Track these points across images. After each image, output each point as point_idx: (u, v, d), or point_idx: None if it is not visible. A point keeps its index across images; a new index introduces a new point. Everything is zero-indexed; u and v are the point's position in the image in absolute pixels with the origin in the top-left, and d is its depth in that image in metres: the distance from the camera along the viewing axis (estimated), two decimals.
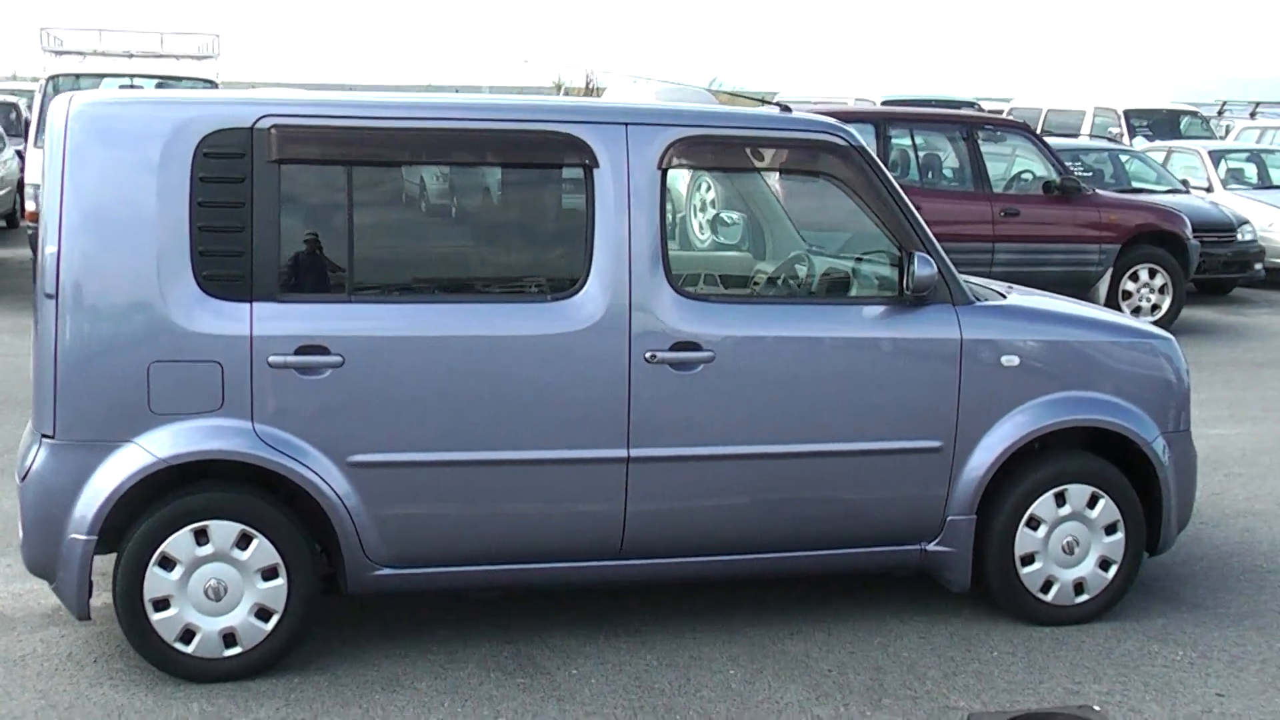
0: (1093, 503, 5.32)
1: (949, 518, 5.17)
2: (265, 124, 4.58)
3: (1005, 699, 4.69)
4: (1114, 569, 5.38)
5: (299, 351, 4.58)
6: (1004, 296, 5.56)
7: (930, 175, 11.62)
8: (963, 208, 11.43)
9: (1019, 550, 5.27)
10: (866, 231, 5.20)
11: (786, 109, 5.28)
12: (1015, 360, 5.15)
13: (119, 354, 4.52)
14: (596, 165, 4.79)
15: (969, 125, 11.67)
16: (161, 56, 14.47)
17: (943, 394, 5.10)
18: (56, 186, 4.51)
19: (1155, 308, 12.22)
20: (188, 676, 4.66)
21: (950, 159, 11.85)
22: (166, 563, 4.59)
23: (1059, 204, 11.75)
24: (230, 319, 4.55)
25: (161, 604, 4.61)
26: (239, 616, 4.66)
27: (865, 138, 10.86)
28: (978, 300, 5.22)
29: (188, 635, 4.64)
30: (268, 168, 4.58)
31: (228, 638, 4.66)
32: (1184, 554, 6.17)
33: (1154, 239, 12.19)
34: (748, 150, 5.06)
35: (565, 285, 4.80)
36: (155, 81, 12.99)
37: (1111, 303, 11.76)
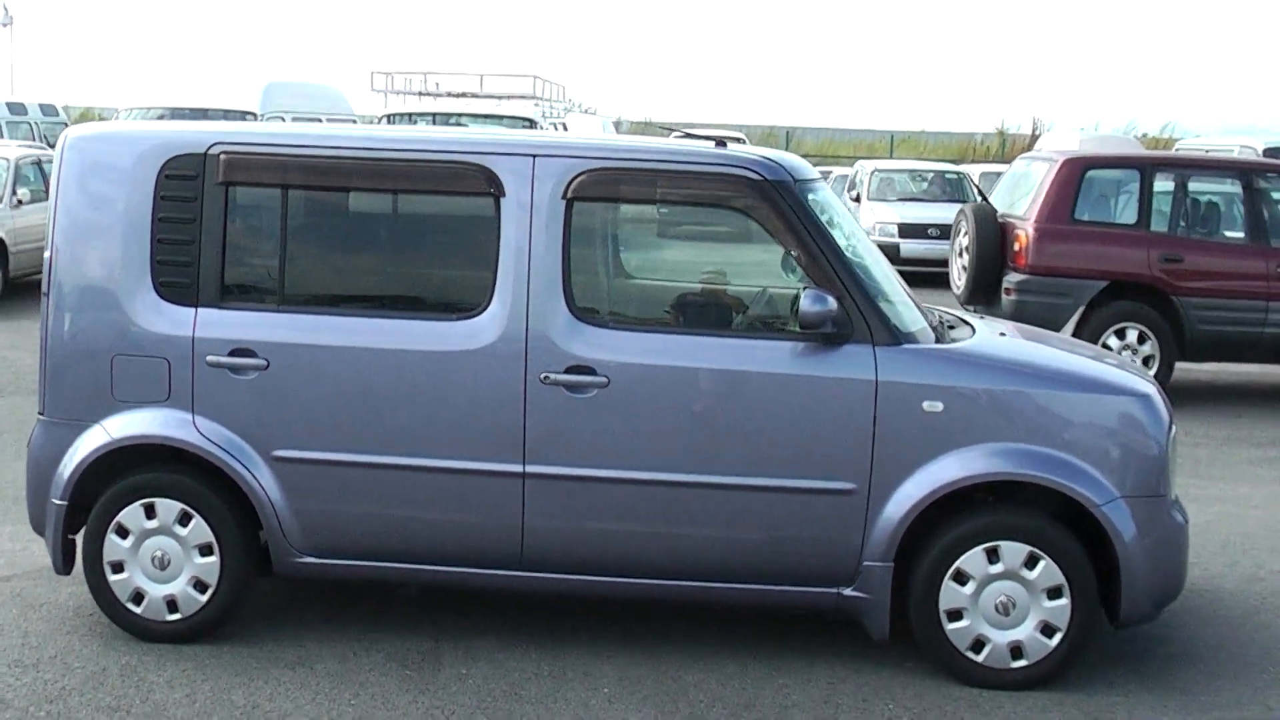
0: (1032, 563, 5.01)
1: (864, 563, 5.03)
2: (215, 150, 5.18)
3: None
4: (1058, 636, 5.04)
5: (231, 354, 5.14)
6: (972, 334, 5.37)
7: (1198, 226, 10.79)
8: (1233, 262, 10.55)
9: (943, 604, 5.05)
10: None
11: (722, 144, 5.32)
12: (939, 406, 4.96)
13: (91, 346, 5.23)
14: (503, 194, 5.07)
15: (1248, 172, 10.75)
16: (480, 96, 15.70)
17: (856, 436, 4.98)
18: (54, 201, 5.30)
19: None
20: (139, 634, 5.30)
21: (1224, 209, 10.97)
22: (121, 531, 5.26)
23: None
24: (178, 321, 5.17)
25: (117, 567, 5.28)
26: (179, 586, 5.26)
27: (1128, 184, 10.35)
28: (912, 342, 5.05)
29: (138, 597, 5.28)
30: (215, 189, 5.17)
31: (170, 603, 5.27)
32: (1183, 632, 5.67)
33: None
34: (656, 183, 5.16)
35: (471, 306, 5.10)
36: (478, 119, 14.15)
37: None
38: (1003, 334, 5.62)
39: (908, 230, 19.35)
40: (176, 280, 5.19)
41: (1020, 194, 11.28)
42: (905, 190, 20.93)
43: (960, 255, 11.46)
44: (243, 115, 14.51)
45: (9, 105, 24.93)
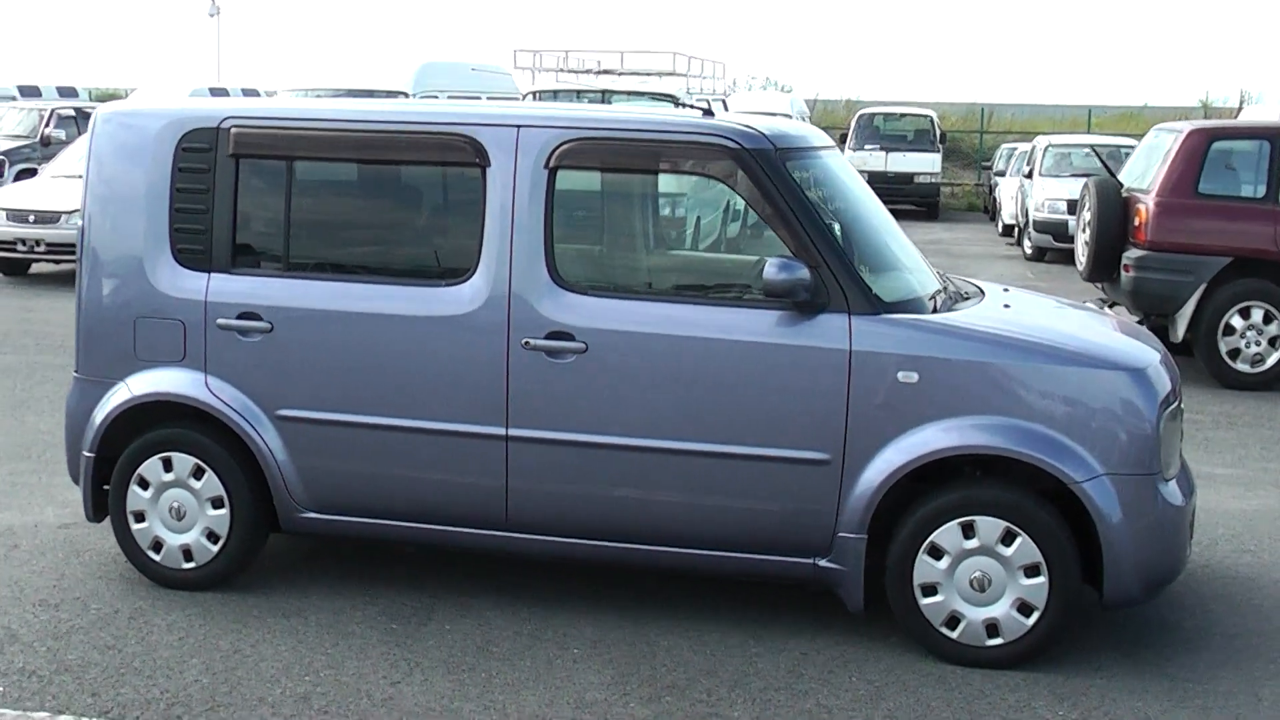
0: (1008, 539, 4.91)
1: (839, 535, 5.00)
2: (227, 125, 5.44)
3: (779, 715, 4.55)
4: (1035, 615, 4.92)
5: (239, 317, 5.40)
6: (975, 305, 5.33)
7: None
8: None
9: (918, 579, 4.99)
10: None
11: (710, 113, 5.32)
12: (914, 377, 4.89)
13: (117, 309, 5.57)
14: (489, 164, 5.19)
15: None
16: (623, 74, 15.81)
17: (829, 406, 4.95)
18: (86, 174, 5.65)
19: None
20: (159, 580, 5.62)
21: None
22: (143, 483, 5.58)
23: None
24: (192, 286, 5.46)
25: (139, 516, 5.61)
26: (193, 536, 5.56)
27: (1257, 156, 9.90)
28: (896, 311, 4.99)
29: (158, 546, 5.60)
30: (226, 161, 5.44)
31: (186, 552, 5.57)
32: (1200, 619, 5.49)
33: None
34: (636, 152, 5.19)
35: (458, 273, 5.24)
36: (623, 95, 14.28)
37: None
38: (1007, 305, 5.49)
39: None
40: (192, 247, 5.47)
41: (1149, 167, 10.87)
42: (1083, 166, 20.25)
43: (1084, 231, 11.11)
44: (394, 95, 14.97)
45: (211, 90, 26.21)
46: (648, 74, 15.68)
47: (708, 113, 5.32)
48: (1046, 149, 20.41)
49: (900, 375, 4.90)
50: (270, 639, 5.12)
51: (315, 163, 5.47)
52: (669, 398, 5.06)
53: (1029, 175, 20.32)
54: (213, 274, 5.45)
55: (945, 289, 5.55)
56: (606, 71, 15.87)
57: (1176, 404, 5.11)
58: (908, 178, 26.82)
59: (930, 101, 36.96)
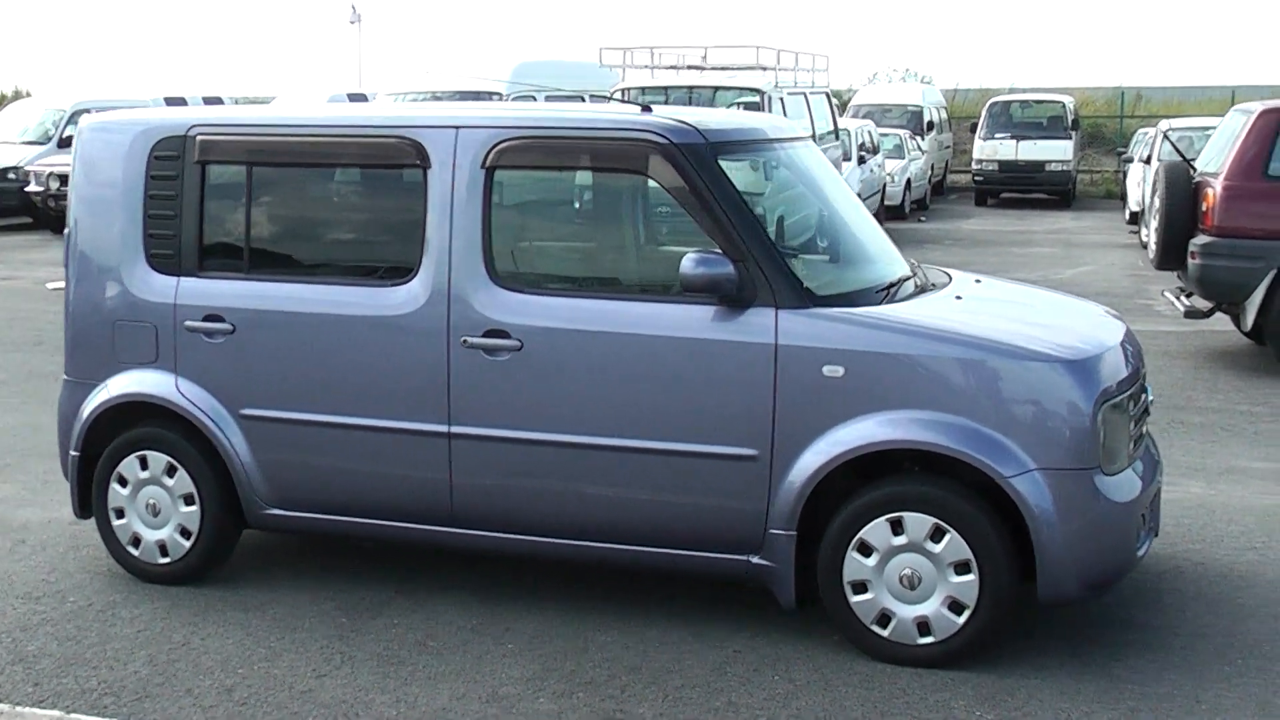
0: (937, 536, 4.81)
1: (770, 531, 4.96)
2: (194, 132, 5.64)
3: (685, 712, 4.53)
4: (966, 614, 4.82)
5: (204, 319, 5.59)
6: (941, 289, 5.41)
7: None
8: None
9: (848, 576, 4.92)
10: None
11: (647, 109, 5.31)
12: (839, 371, 4.82)
13: (98, 313, 5.80)
14: (430, 165, 5.27)
15: None
16: (711, 69, 15.72)
17: (757, 401, 4.91)
18: (72, 181, 5.90)
19: None
20: (138, 575, 5.84)
21: None
22: (121, 480, 5.81)
23: None
24: (163, 290, 5.67)
25: (119, 513, 5.84)
26: (168, 532, 5.76)
27: None
28: (831, 305, 4.92)
29: (136, 541, 5.82)
30: (193, 167, 5.63)
31: (161, 547, 5.78)
32: (1171, 619, 5.34)
33: None
34: (571, 151, 5.22)
35: (404, 273, 5.34)
36: (710, 92, 14.27)
37: None
38: (959, 296, 5.38)
39: None
40: (163, 251, 5.68)
41: (1223, 149, 10.46)
42: None
43: (1154, 217, 10.74)
44: (489, 96, 15.18)
45: (350, 96, 26.88)
46: (737, 69, 15.57)
47: (646, 109, 5.32)
48: (1165, 134, 19.72)
49: (826, 370, 4.84)
50: (221, 633, 5.28)
51: (271, 168, 5.63)
52: (601, 393, 5.08)
53: (1147, 160, 19.68)
54: (182, 277, 5.65)
55: (908, 279, 5.47)
56: (694, 67, 15.84)
57: (1124, 395, 4.94)
58: (1038, 166, 26.20)
59: (1075, 87, 36.01)
